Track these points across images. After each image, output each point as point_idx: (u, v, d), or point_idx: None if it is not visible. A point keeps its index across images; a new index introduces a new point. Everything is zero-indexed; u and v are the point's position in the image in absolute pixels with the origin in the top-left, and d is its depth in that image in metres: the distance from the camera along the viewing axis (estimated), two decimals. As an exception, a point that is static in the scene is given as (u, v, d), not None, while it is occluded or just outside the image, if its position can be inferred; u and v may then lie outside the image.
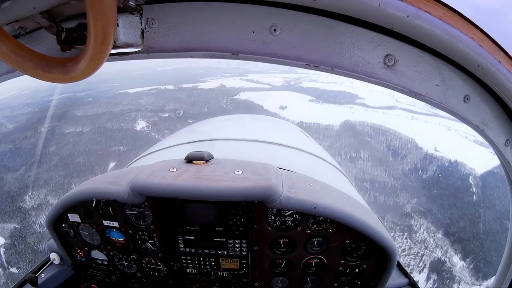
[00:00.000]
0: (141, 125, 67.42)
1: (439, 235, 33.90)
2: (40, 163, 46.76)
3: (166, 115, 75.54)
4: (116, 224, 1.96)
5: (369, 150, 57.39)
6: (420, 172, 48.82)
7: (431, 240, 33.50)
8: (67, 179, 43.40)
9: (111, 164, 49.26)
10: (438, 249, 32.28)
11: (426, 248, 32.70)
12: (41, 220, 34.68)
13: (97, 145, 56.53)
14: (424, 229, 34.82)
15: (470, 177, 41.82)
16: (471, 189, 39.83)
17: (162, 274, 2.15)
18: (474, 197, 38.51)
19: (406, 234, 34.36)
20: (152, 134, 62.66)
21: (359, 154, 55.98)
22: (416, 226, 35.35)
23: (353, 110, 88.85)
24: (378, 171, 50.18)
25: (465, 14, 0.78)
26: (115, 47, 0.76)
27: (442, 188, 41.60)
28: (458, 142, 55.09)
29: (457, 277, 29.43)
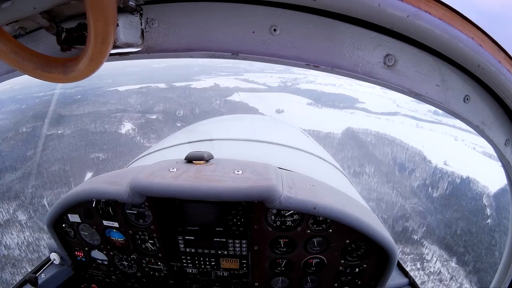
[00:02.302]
0: (126, 127, 62.54)
1: (453, 264, 31.57)
2: (15, 170, 42.91)
3: (154, 116, 70.14)
4: (116, 224, 1.96)
5: (374, 164, 53.72)
6: (430, 189, 44.82)
7: (445, 270, 31.17)
8: (39, 191, 39.49)
9: (88, 175, 45.09)
10: (452, 282, 29.92)
11: (440, 281, 30.31)
12: (7, 240, 30.86)
13: (76, 151, 52.21)
14: (436, 258, 32.40)
15: (484, 197, 38.88)
16: (486, 211, 36.85)
17: (162, 274, 2.15)
18: (489, 221, 35.68)
19: (418, 264, 31.89)
20: (138, 138, 58.26)
21: (364, 169, 52.31)
22: (428, 255, 32.89)
23: (354, 115, 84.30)
24: (384, 188, 46.42)
25: (465, 14, 0.78)
26: (115, 47, 0.76)
27: (455, 210, 38.34)
28: (467, 155, 52.32)
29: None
